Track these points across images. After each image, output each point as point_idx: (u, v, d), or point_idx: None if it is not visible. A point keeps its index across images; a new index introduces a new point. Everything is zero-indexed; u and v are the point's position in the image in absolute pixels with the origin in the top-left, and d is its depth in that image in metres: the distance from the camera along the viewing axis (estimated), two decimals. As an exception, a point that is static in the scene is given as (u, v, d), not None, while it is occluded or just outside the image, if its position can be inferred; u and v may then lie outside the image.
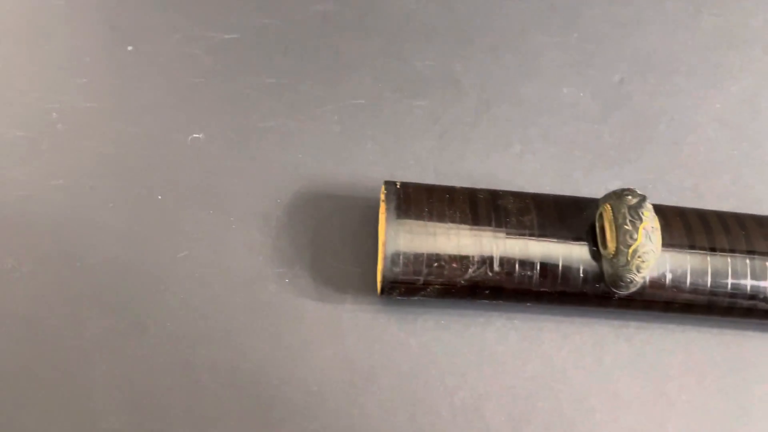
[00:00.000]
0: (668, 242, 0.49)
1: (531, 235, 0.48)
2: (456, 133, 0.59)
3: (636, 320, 0.52)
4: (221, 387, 0.47)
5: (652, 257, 0.46)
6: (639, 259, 0.46)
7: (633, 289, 0.48)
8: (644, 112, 0.61)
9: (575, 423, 0.48)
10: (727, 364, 0.51)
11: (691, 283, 0.49)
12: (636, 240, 0.46)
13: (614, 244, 0.47)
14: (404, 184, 0.50)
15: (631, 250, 0.46)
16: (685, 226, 0.50)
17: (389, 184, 0.50)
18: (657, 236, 0.47)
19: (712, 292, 0.49)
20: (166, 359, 0.47)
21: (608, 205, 0.49)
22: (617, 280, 0.47)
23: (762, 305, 0.49)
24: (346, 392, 0.47)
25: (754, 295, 0.49)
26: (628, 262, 0.46)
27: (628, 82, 0.63)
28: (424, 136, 0.58)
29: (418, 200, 0.49)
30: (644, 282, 0.48)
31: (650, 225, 0.46)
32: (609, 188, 0.56)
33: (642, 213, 0.47)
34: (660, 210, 0.50)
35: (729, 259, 0.49)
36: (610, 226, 0.47)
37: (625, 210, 0.47)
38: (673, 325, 0.52)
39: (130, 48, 0.59)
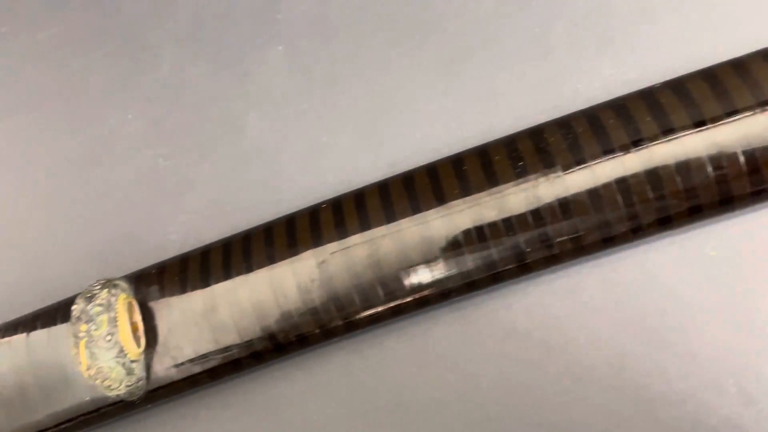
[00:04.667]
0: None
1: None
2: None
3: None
4: None
5: (110, 371, 0.39)
6: (99, 380, 0.39)
7: (139, 393, 0.41)
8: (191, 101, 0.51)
9: None
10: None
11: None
12: (81, 364, 0.39)
13: (83, 366, 0.40)
14: None
15: (86, 375, 0.39)
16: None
17: None
18: (115, 339, 0.39)
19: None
20: None
21: (72, 318, 0.41)
22: (103, 398, 0.41)
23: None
24: None
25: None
26: (95, 386, 0.39)
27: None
28: None
29: None
30: (146, 379, 0.41)
31: (94, 340, 0.39)
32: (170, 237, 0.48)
33: (79, 330, 0.39)
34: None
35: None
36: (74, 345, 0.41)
37: (70, 330, 0.40)
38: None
39: None
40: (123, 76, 0.53)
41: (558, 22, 0.45)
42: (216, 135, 0.50)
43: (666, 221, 0.36)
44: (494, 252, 0.37)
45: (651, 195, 0.36)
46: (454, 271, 0.38)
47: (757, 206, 0.37)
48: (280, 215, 0.44)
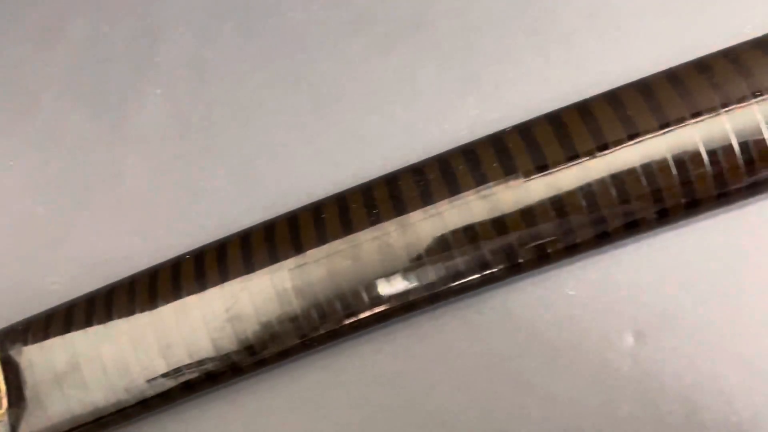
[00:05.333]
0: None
1: None
2: None
3: None
4: None
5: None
6: (-47, 446, 0.38)
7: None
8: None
9: None
10: None
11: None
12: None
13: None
14: None
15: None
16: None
17: None
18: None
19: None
20: None
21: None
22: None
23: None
24: None
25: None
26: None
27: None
28: None
29: None
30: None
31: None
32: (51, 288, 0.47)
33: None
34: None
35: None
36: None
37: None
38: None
39: None
40: (3, 122, 0.52)
41: (425, 64, 0.45)
42: (95, 181, 0.49)
43: (515, 267, 0.36)
44: (351, 300, 0.37)
45: (498, 241, 0.36)
46: (315, 319, 0.38)
47: (606, 248, 0.37)
48: (156, 263, 0.43)
